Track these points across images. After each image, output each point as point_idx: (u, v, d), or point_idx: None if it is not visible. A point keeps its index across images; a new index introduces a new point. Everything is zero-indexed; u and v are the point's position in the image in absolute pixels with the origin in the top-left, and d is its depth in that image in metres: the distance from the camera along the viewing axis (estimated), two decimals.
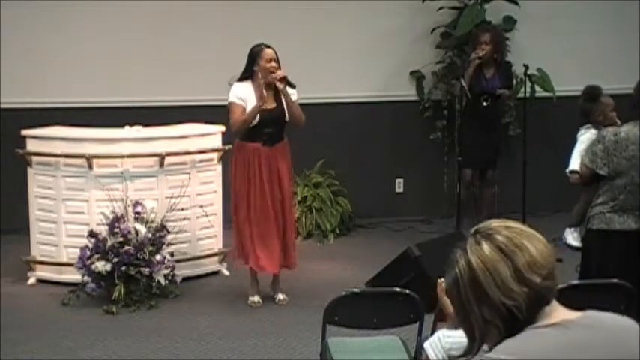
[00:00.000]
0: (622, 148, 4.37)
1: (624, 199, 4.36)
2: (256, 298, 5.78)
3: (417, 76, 7.96)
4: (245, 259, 5.75)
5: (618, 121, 5.60)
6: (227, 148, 6.31)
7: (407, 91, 7.97)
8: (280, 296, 5.80)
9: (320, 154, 7.65)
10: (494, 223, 1.90)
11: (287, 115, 5.58)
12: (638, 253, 4.31)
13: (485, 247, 1.84)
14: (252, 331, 5.39)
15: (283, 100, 5.57)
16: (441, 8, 7.77)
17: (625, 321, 1.91)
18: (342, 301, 3.93)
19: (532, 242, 1.85)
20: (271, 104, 5.56)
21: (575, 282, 4.07)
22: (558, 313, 1.85)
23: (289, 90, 5.57)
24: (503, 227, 1.87)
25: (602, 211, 4.46)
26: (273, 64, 5.49)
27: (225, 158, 6.38)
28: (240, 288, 5.96)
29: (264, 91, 5.50)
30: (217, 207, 6.46)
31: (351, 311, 3.95)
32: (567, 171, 5.44)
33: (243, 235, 5.70)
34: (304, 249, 6.89)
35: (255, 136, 5.59)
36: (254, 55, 5.54)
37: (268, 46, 5.55)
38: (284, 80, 5.51)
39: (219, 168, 6.47)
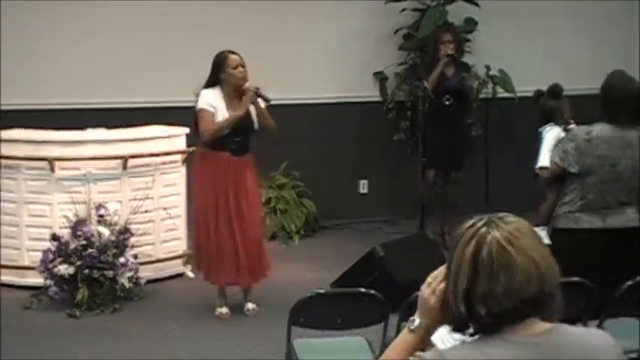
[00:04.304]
0: (593, 146, 4.42)
1: (593, 198, 4.41)
2: (224, 310, 5.66)
3: (381, 78, 8.00)
4: (208, 274, 5.64)
5: (572, 121, 5.66)
6: (191, 150, 6.28)
7: (370, 93, 8.01)
8: (250, 306, 5.69)
9: (284, 156, 7.65)
10: (512, 222, 1.91)
11: (256, 123, 5.51)
12: (603, 252, 4.36)
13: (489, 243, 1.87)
14: (218, 333, 5.38)
15: (252, 108, 5.47)
16: (403, 10, 7.82)
17: (594, 340, 1.91)
18: (307, 303, 3.93)
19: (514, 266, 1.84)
20: (246, 110, 5.43)
21: None
22: (530, 326, 1.86)
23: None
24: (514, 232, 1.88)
25: (570, 210, 4.49)
26: (241, 69, 5.41)
27: (189, 160, 6.36)
28: (204, 290, 5.93)
29: (236, 99, 5.38)
30: (181, 209, 6.44)
31: (317, 312, 3.96)
32: (537, 167, 5.47)
33: (208, 249, 5.56)
34: (269, 251, 6.86)
35: (224, 145, 5.45)
36: (220, 62, 5.43)
37: (233, 52, 5.45)
38: (256, 92, 5.38)
39: (183, 170, 6.44)
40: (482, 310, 1.85)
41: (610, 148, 4.41)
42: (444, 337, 2.76)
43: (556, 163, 4.55)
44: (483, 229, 1.89)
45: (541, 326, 1.87)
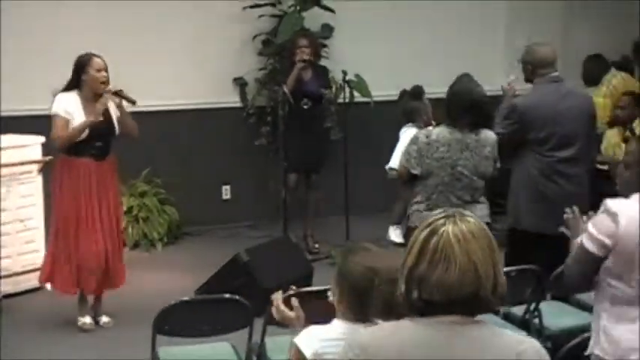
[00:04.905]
0: (433, 149, 4.62)
1: (436, 198, 4.61)
2: (87, 320, 5.55)
3: (241, 83, 8.04)
4: (64, 285, 5.48)
5: (434, 123, 5.88)
6: (47, 159, 6.12)
7: (231, 98, 8.04)
8: (105, 319, 5.61)
9: (145, 163, 7.57)
10: (469, 223, 1.97)
11: (117, 128, 5.43)
12: None
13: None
14: (80, 345, 5.27)
15: (112, 112, 5.39)
16: (261, 16, 7.89)
17: (506, 342, 1.94)
18: (171, 311, 3.93)
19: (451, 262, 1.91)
20: (100, 117, 5.33)
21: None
22: (459, 317, 1.92)
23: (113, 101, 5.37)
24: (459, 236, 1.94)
25: (418, 209, 4.69)
26: (104, 74, 5.31)
27: (46, 170, 6.19)
28: (64, 304, 5.79)
29: (95, 103, 5.27)
30: (39, 220, 6.26)
31: (182, 320, 3.96)
32: (387, 168, 5.66)
33: (67, 258, 5.41)
34: (132, 259, 6.78)
35: (85, 150, 5.33)
36: (82, 64, 5.30)
37: (97, 55, 5.34)
38: (120, 94, 5.32)
39: (39, 180, 6.27)
40: (415, 293, 1.92)
41: (448, 150, 4.62)
42: (310, 341, 2.82)
43: (403, 164, 4.75)
44: (441, 221, 1.96)
45: (469, 319, 1.93)
